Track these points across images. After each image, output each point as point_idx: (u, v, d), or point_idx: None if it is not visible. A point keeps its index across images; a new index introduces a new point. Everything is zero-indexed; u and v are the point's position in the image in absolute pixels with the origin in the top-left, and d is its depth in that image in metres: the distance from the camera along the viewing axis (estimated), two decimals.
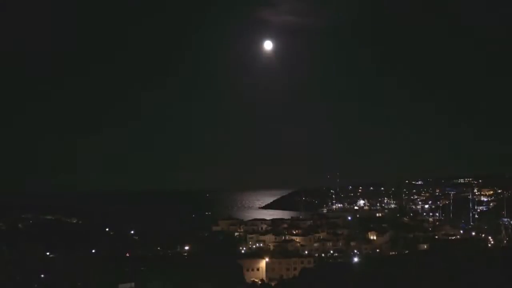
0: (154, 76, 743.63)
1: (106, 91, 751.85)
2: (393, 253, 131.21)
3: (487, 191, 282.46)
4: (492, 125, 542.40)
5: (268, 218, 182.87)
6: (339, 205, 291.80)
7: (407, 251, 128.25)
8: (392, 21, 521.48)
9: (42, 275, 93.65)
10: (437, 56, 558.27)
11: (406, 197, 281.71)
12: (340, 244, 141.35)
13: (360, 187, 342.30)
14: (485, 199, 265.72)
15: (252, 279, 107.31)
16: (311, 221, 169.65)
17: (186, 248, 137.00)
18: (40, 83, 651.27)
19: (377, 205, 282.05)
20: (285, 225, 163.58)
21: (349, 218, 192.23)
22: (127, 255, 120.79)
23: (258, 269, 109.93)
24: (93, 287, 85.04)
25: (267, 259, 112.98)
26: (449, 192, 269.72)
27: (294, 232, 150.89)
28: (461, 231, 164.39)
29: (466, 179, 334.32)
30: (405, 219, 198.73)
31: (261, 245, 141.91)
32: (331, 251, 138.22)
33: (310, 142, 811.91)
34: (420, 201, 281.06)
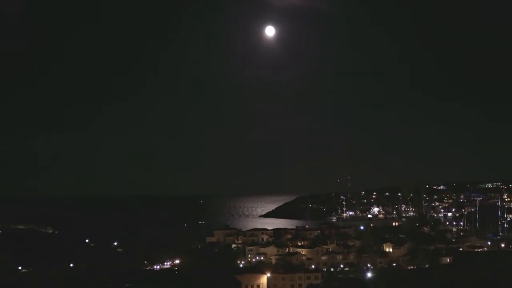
0: (143, 69, 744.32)
1: (90, 86, 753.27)
2: (412, 267, 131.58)
3: None
4: None
5: (269, 228, 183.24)
6: (350, 213, 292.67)
7: (427, 265, 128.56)
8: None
9: None
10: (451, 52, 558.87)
11: (426, 204, 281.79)
12: (352, 257, 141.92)
13: (374, 193, 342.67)
14: None
15: None
16: (319, 231, 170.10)
17: (177, 261, 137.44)
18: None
19: (393, 213, 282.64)
20: (289, 236, 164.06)
21: (362, 227, 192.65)
22: (110, 269, 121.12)
23: (258, 286, 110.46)
24: None
25: (268, 274, 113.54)
26: (475, 198, 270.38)
27: (299, 244, 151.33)
28: (489, 243, 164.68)
29: (494, 183, 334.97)
30: (425, 229, 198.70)
31: (262, 258, 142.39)
32: (341, 265, 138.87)
33: (317, 142, 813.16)
34: (442, 208, 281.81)
